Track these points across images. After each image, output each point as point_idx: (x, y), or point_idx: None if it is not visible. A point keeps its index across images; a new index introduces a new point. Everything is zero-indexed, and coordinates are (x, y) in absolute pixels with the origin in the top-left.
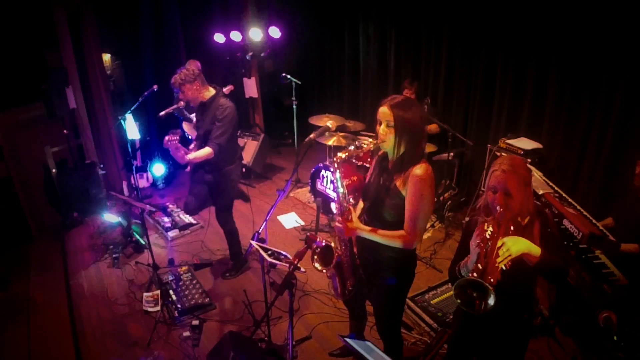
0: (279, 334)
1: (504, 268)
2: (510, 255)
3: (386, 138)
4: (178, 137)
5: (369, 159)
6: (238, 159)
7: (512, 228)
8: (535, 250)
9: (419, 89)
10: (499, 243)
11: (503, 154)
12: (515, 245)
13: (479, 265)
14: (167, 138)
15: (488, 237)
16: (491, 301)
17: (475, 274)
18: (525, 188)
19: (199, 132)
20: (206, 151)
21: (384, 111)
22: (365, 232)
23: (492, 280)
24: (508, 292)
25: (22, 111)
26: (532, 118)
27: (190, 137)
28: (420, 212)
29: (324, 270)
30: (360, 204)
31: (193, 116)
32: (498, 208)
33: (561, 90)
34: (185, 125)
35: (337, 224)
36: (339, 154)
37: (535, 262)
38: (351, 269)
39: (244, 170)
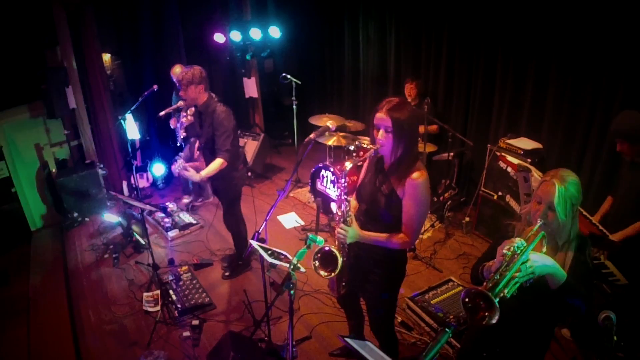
0: (279, 334)
1: (523, 285)
2: (532, 273)
3: (385, 143)
4: (182, 161)
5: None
6: (242, 164)
7: (544, 248)
8: (560, 274)
9: (420, 87)
10: (525, 258)
11: (503, 154)
12: (539, 264)
13: (497, 276)
14: (176, 170)
15: (516, 248)
16: (494, 319)
17: (491, 284)
18: (571, 207)
19: (200, 141)
20: (218, 163)
21: (381, 117)
22: (368, 237)
23: (506, 294)
24: (525, 309)
25: (22, 111)
26: (532, 118)
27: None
28: (418, 214)
29: (332, 275)
30: (353, 203)
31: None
32: (538, 220)
33: (561, 90)
34: (173, 122)
35: (339, 230)
36: (346, 164)
37: (557, 287)
38: (346, 267)
39: (249, 174)
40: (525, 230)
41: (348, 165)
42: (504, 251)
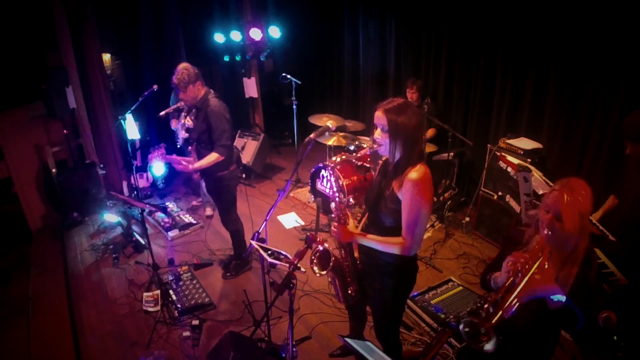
0: (279, 334)
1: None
2: (533, 295)
3: (382, 142)
4: (163, 150)
5: (368, 159)
6: (234, 164)
7: (546, 264)
8: (559, 297)
9: (421, 88)
10: (527, 278)
11: (503, 154)
12: (541, 287)
13: (499, 294)
14: (156, 155)
15: (519, 267)
16: (490, 346)
17: (492, 310)
18: (579, 219)
19: (193, 135)
20: (213, 157)
21: (378, 116)
22: (363, 238)
23: (505, 315)
24: (529, 317)
25: (22, 111)
26: (532, 118)
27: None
28: (417, 217)
29: (319, 274)
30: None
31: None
32: (545, 231)
33: (561, 90)
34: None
35: (333, 229)
36: (333, 158)
37: (554, 308)
38: (352, 274)
39: (243, 175)
40: (532, 240)
41: (336, 159)
42: (509, 267)
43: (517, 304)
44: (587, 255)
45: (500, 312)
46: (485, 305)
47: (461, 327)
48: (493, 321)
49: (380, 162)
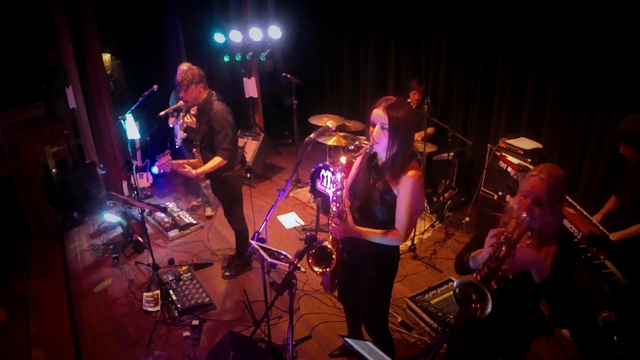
0: (279, 334)
1: (510, 277)
2: (520, 266)
3: (380, 140)
4: (169, 157)
5: None
6: (238, 165)
7: (528, 241)
8: (544, 268)
9: (424, 91)
10: (511, 250)
11: (503, 153)
12: (525, 257)
13: (486, 267)
14: (162, 165)
15: (503, 240)
16: (487, 309)
17: (479, 275)
18: (556, 203)
19: (194, 136)
20: (216, 161)
21: (378, 113)
22: (362, 232)
23: (494, 286)
24: (510, 301)
25: (22, 111)
26: (532, 118)
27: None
28: (413, 212)
29: (327, 270)
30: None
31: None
32: (524, 214)
33: (561, 90)
34: (172, 121)
35: (333, 225)
36: (342, 159)
37: (540, 280)
38: (339, 264)
39: (248, 175)
40: (510, 223)
41: (343, 159)
42: (492, 242)
43: (503, 277)
44: (562, 234)
45: (492, 277)
46: (474, 274)
47: (453, 287)
48: (486, 284)
49: (360, 156)
